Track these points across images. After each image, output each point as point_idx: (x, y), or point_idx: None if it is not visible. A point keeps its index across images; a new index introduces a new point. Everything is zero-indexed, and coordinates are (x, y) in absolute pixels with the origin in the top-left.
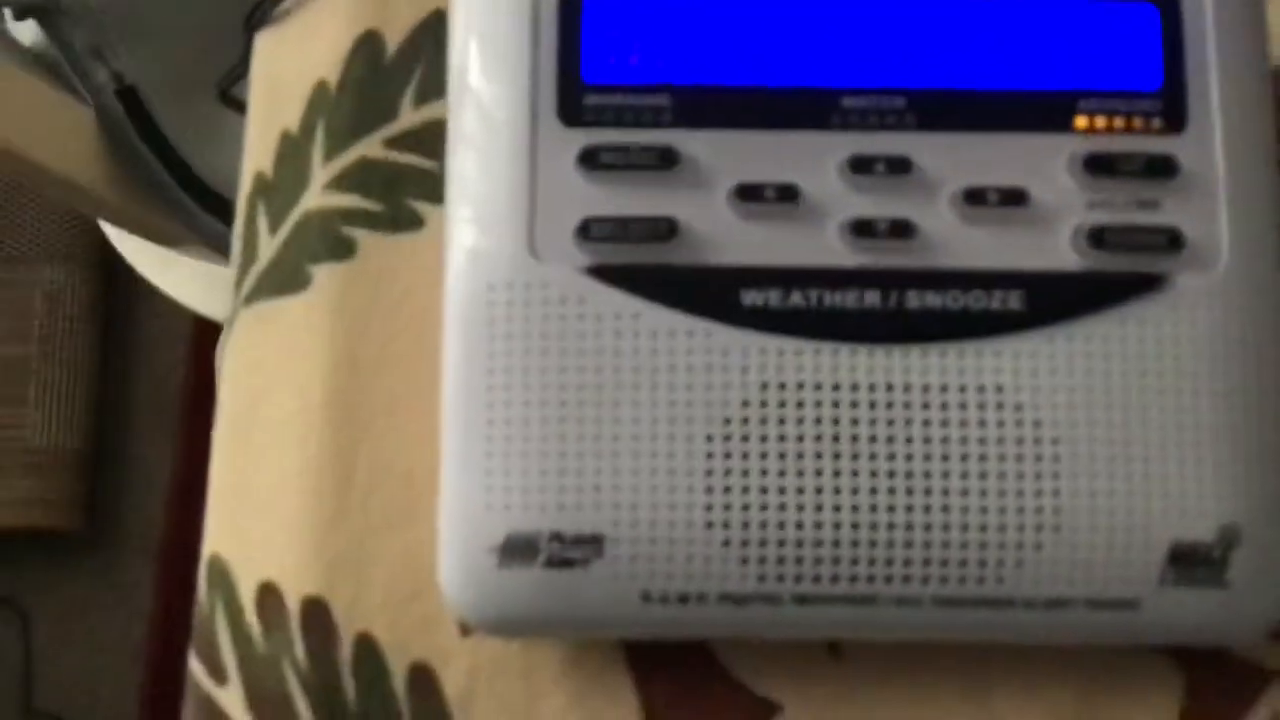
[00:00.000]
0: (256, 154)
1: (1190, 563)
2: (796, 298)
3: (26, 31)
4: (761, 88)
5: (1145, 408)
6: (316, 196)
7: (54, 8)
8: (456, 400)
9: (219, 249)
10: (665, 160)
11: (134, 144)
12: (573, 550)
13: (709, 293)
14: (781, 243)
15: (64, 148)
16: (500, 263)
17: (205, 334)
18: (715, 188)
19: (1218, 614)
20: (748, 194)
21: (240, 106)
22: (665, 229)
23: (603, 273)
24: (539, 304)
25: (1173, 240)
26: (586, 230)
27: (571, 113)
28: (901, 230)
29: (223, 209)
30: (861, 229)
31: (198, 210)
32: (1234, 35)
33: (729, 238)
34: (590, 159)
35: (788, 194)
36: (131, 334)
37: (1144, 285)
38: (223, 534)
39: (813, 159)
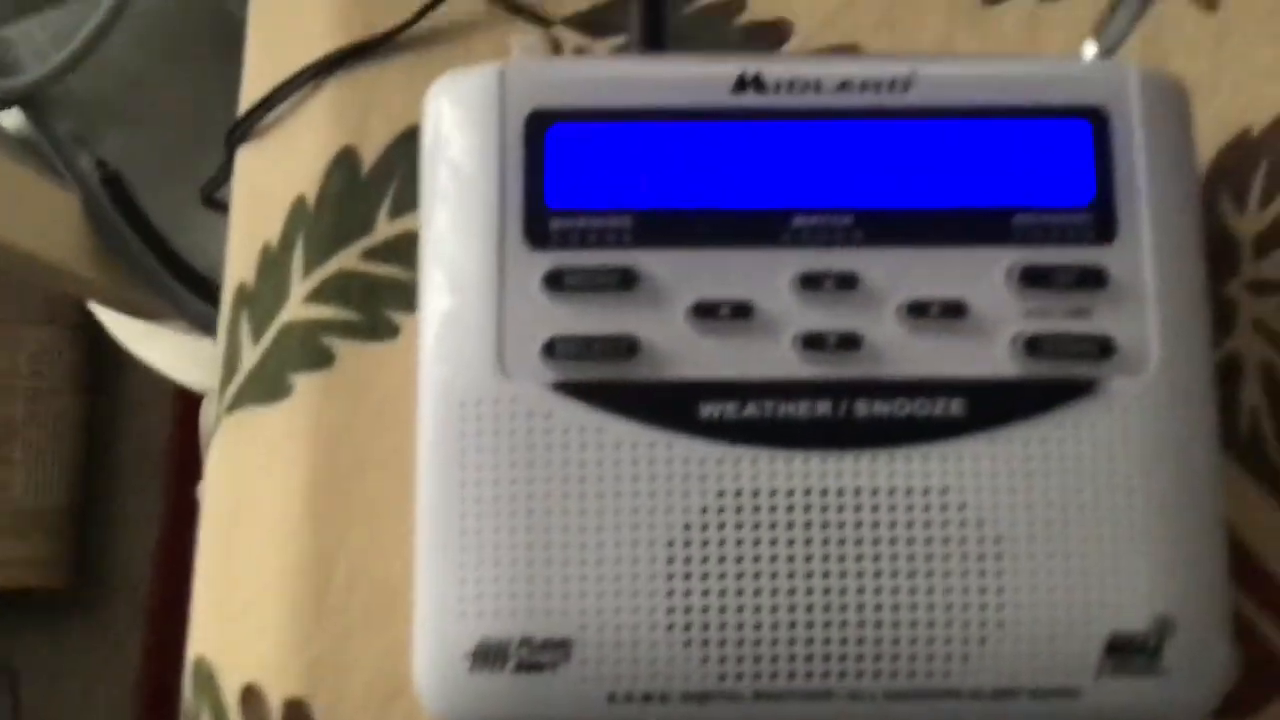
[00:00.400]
0: (238, 265)
1: (1127, 652)
2: (752, 409)
3: (10, 119)
4: (717, 209)
5: (1081, 506)
6: (296, 308)
7: (39, 96)
8: (430, 511)
9: (204, 327)
10: (625, 281)
11: (119, 229)
12: (542, 654)
13: (668, 406)
14: (737, 356)
15: (50, 234)
16: (471, 381)
17: (191, 393)
18: (674, 305)
19: (1155, 701)
20: (704, 311)
21: (223, 208)
22: (626, 347)
23: (568, 389)
24: (508, 419)
25: (1104, 347)
26: (552, 349)
27: (537, 236)
28: (850, 342)
29: (207, 290)
30: (812, 342)
31: (183, 291)
32: (1162, 149)
33: (687, 353)
34: (555, 281)
35: (742, 310)
36: (118, 393)
37: (1077, 390)
38: (207, 636)
39: (765, 276)
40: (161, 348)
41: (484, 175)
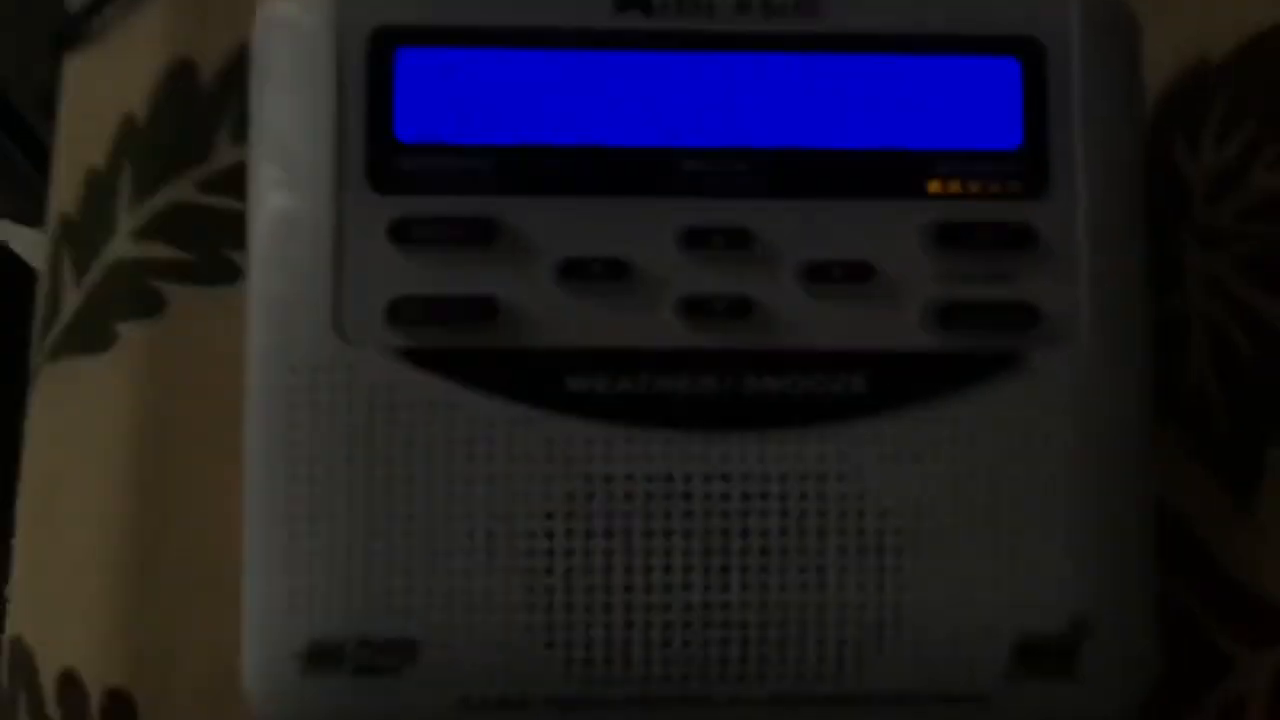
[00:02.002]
0: (62, 193)
1: (1040, 655)
2: (625, 382)
3: None
4: (591, 147)
5: (995, 494)
6: (123, 244)
7: None
8: (256, 493)
9: None
10: (484, 233)
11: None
12: (383, 657)
13: (530, 377)
14: (610, 322)
15: None
16: (304, 345)
17: None
18: (539, 262)
19: (1070, 706)
20: (574, 269)
21: None
22: (483, 309)
23: (415, 356)
24: (346, 389)
25: (1028, 316)
26: (397, 311)
27: (383, 177)
28: (739, 308)
29: None
30: (696, 307)
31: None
32: (1105, 88)
33: (553, 318)
34: (402, 231)
35: (617, 269)
36: None
37: (996, 365)
38: (25, 614)
39: (645, 229)
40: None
41: (319, 105)
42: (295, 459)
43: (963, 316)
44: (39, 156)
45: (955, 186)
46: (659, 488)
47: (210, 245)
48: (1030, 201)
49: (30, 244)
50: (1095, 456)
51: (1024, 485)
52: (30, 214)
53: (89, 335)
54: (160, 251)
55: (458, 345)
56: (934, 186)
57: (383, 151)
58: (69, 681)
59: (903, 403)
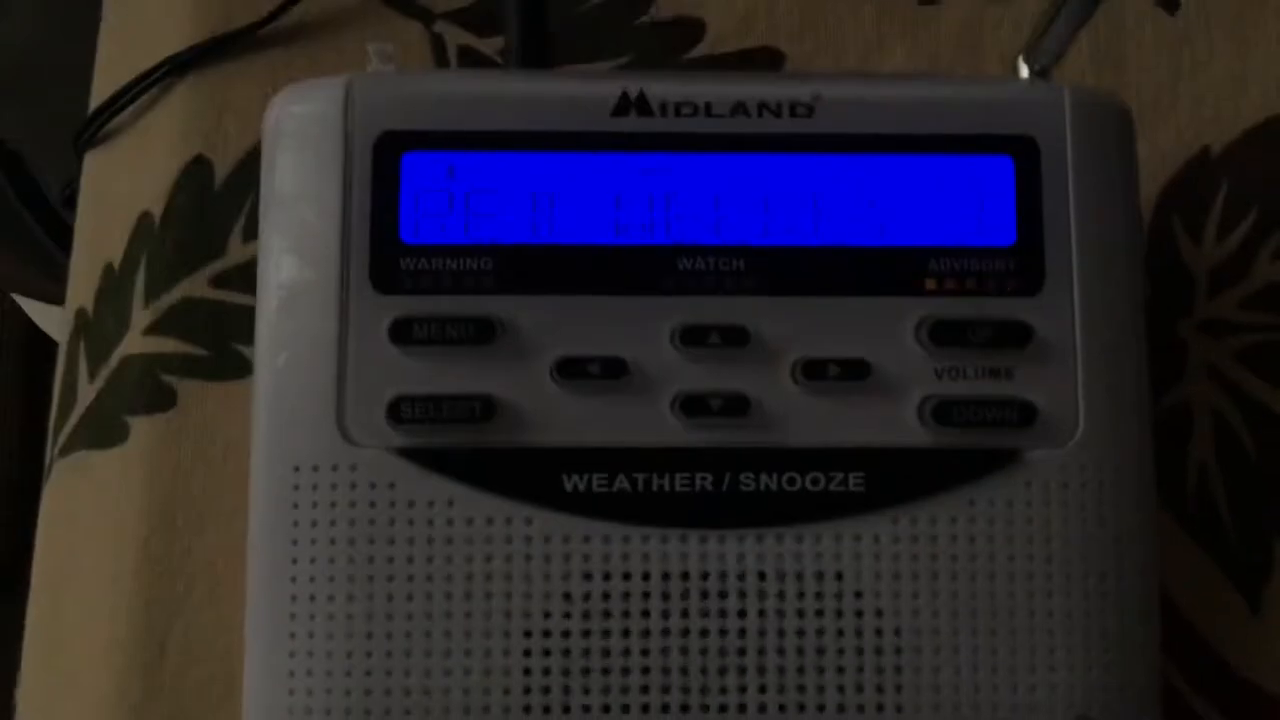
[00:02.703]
0: (79, 288)
1: None
2: (623, 480)
3: None
4: (592, 247)
5: (993, 594)
6: (136, 341)
7: None
8: (258, 588)
9: None
10: (482, 333)
11: (17, 210)
12: None
13: (529, 476)
14: (608, 420)
15: None
16: (307, 443)
17: None
18: (537, 361)
19: None
20: (571, 368)
21: None
22: (481, 408)
23: (415, 455)
24: (347, 487)
25: (1024, 414)
26: (398, 409)
27: (384, 278)
28: (736, 406)
29: None
30: (693, 405)
31: None
32: (1099, 184)
33: (551, 416)
34: (402, 331)
35: (615, 368)
36: None
37: (993, 462)
38: (34, 704)
39: (643, 328)
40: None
41: (325, 205)
42: (297, 556)
43: (959, 413)
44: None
45: (950, 284)
46: (656, 587)
47: (221, 339)
48: (1025, 298)
49: (59, 323)
50: (1095, 555)
51: (1022, 584)
52: (61, 295)
53: (101, 430)
54: (172, 346)
55: (457, 444)
56: (929, 284)
57: (386, 252)
58: None
59: (900, 500)
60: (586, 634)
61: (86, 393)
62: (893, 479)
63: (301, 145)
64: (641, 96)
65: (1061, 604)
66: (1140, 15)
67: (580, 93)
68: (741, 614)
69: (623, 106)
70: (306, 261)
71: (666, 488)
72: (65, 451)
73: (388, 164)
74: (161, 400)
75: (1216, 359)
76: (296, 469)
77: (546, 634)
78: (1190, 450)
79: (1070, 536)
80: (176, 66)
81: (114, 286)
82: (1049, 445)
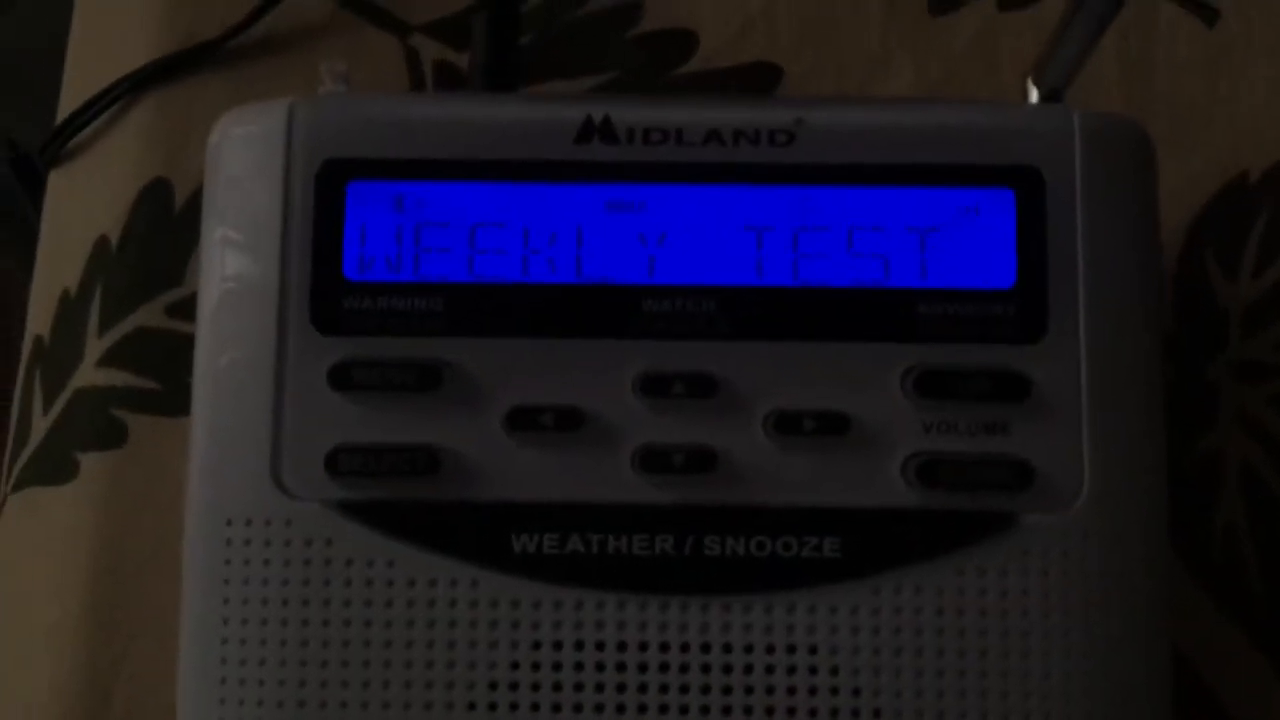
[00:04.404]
0: (38, 315)
1: None
2: (576, 541)
3: None
4: (548, 286)
5: (984, 674)
6: (89, 372)
7: None
8: (189, 646)
9: None
10: (428, 379)
11: (28, 213)
12: None
13: (476, 535)
14: (561, 475)
15: None
16: (241, 495)
17: None
18: (487, 410)
19: None
20: (522, 419)
21: None
22: (425, 460)
23: (355, 510)
24: (282, 544)
25: (1021, 474)
26: (336, 461)
27: (326, 317)
28: (701, 462)
29: None
30: (654, 460)
31: None
32: (1110, 219)
33: (500, 469)
34: (342, 376)
35: (569, 419)
36: None
37: (986, 527)
38: None
39: (602, 375)
40: None
41: (264, 238)
42: (228, 616)
43: (948, 473)
44: None
45: (942, 329)
46: (611, 657)
47: (175, 372)
48: (1025, 346)
49: None
50: (1099, 632)
51: (1016, 663)
52: None
53: (51, 466)
54: (124, 379)
55: (399, 498)
56: (918, 329)
57: (328, 289)
58: None
59: (881, 568)
60: (535, 708)
61: (40, 425)
62: (873, 544)
63: (241, 172)
64: (606, 122)
65: (1060, 685)
66: (1173, 27)
67: (540, 117)
68: (705, 690)
69: (586, 133)
70: (243, 298)
71: (624, 549)
72: (18, 487)
73: (331, 194)
74: (112, 436)
75: (1250, 405)
76: (229, 522)
77: (492, 707)
78: (1218, 508)
79: (1071, 610)
80: (139, 82)
81: (70, 314)
82: (1048, 509)
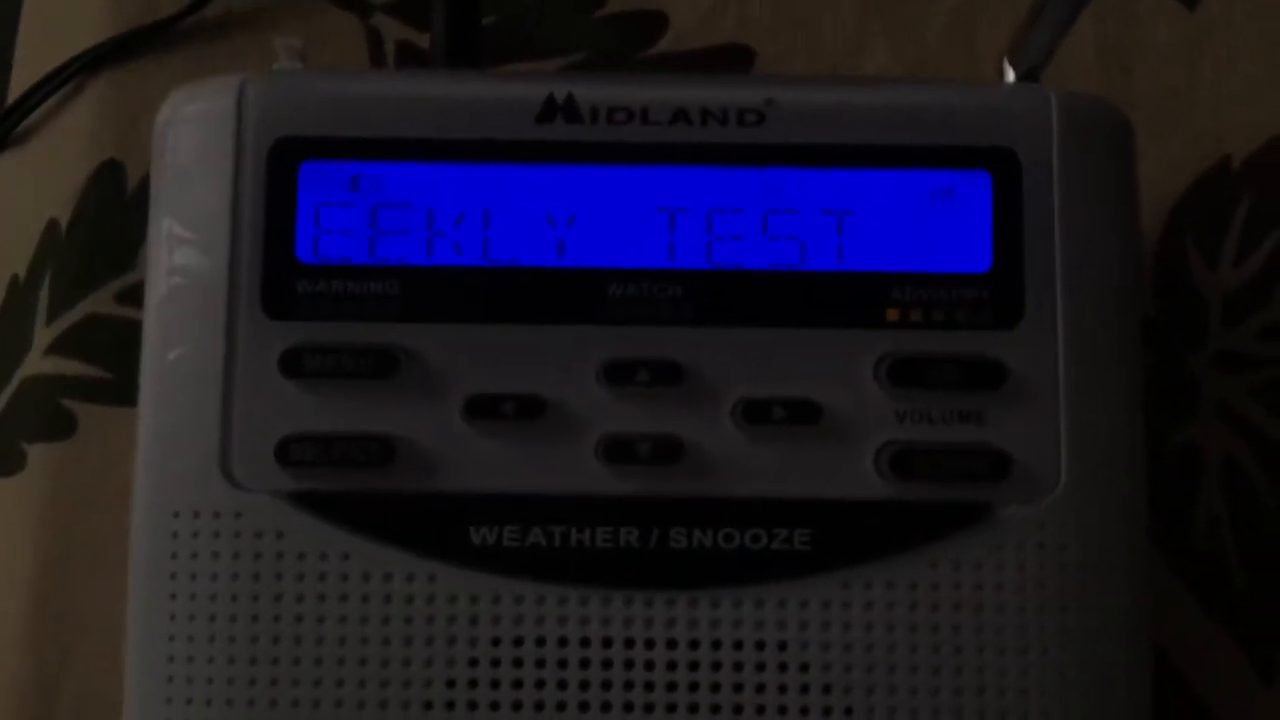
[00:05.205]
0: None
1: None
2: (537, 534)
3: None
4: (508, 269)
5: (959, 669)
6: (36, 361)
7: None
8: (136, 641)
9: None
10: (383, 366)
11: None
12: None
13: (432, 527)
14: (521, 466)
15: None
16: (188, 487)
17: None
18: (444, 398)
19: None
20: (481, 407)
21: None
22: (380, 450)
23: (306, 501)
24: (231, 537)
25: (997, 464)
26: (286, 451)
27: (278, 301)
28: (667, 452)
29: None
30: (618, 449)
31: None
32: (1089, 207)
33: (458, 459)
34: (293, 363)
35: (530, 407)
36: None
37: (960, 518)
38: None
39: (565, 362)
40: None
41: (213, 219)
42: (175, 612)
43: (922, 463)
44: None
45: (916, 315)
46: (574, 653)
47: (125, 361)
48: (1001, 332)
49: None
50: (1076, 625)
51: (992, 658)
52: None
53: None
54: (73, 368)
55: (352, 489)
56: (891, 314)
57: (279, 272)
58: None
59: (853, 561)
60: (495, 706)
61: None
62: (844, 537)
63: (191, 152)
64: (570, 100)
65: (1037, 680)
66: (1154, 9)
67: (502, 96)
68: (670, 687)
69: (548, 112)
70: (191, 281)
71: (586, 542)
72: None
73: (283, 173)
74: (61, 426)
75: (1230, 396)
76: (176, 515)
77: (450, 705)
78: (1199, 499)
79: (1048, 603)
80: (90, 62)
81: (18, 302)
82: (1024, 500)
